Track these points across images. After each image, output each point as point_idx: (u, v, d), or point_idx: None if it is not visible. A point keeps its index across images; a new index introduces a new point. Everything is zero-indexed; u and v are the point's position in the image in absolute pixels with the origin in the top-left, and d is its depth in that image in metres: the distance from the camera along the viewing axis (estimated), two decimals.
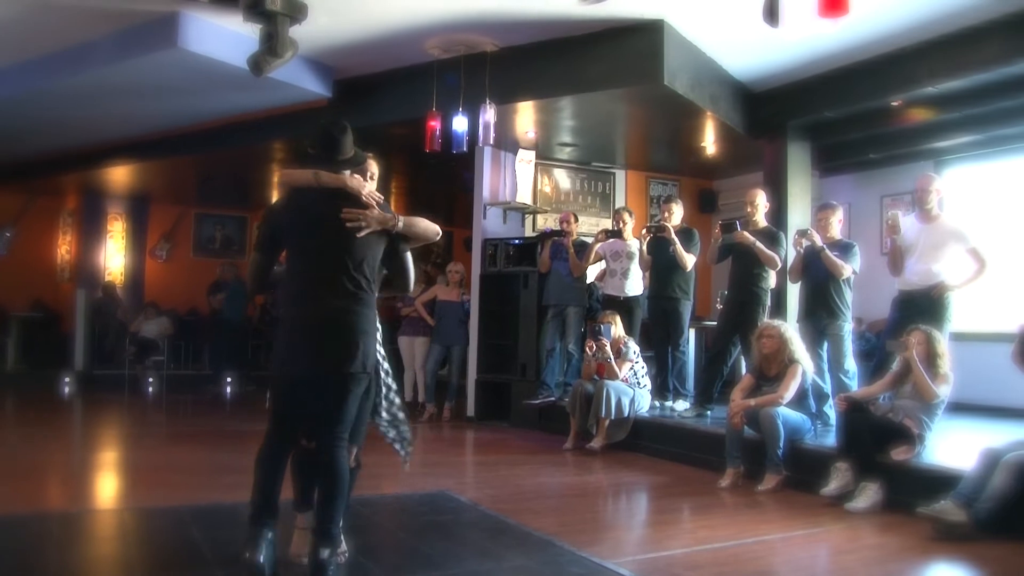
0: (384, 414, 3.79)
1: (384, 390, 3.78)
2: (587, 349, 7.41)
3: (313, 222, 3.45)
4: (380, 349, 3.72)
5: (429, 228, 3.68)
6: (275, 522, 3.38)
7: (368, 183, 3.63)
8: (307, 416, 3.48)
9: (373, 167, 3.77)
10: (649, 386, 7.46)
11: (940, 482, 4.61)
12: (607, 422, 6.98)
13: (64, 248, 14.47)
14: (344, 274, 3.39)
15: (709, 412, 7.23)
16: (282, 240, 3.52)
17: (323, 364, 3.37)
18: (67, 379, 11.20)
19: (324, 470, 3.36)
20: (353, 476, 3.61)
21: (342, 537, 3.54)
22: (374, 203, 3.48)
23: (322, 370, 3.38)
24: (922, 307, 6.00)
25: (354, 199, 3.45)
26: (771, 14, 5.15)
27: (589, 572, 3.65)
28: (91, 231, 13.93)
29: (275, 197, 14.14)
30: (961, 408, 6.53)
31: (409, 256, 3.67)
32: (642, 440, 7.07)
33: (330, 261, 3.41)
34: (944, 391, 5.24)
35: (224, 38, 7.05)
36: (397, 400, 3.86)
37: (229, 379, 11.72)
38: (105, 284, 13.73)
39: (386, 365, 3.82)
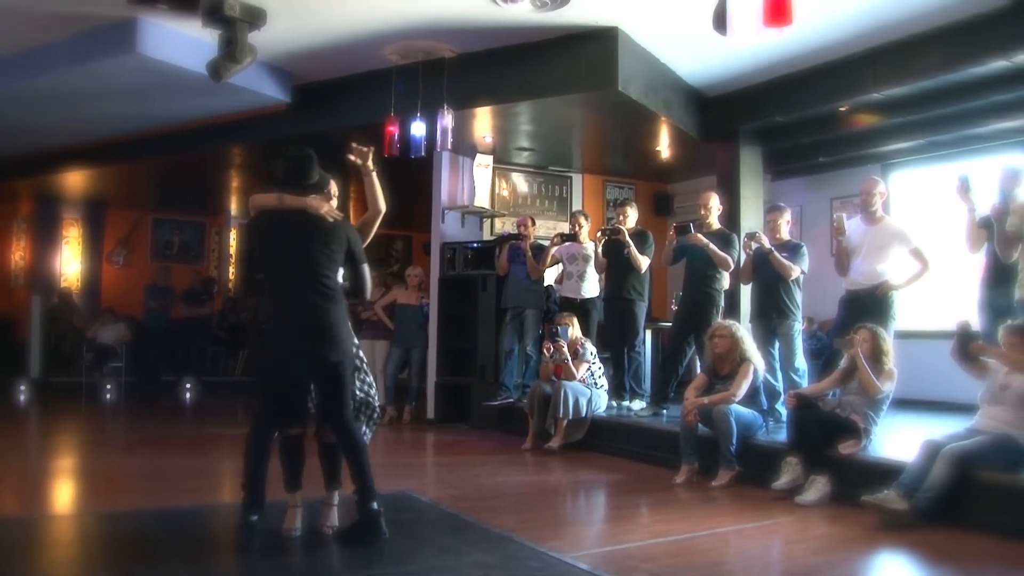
0: (359, 393, 4.29)
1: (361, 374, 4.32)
2: (545, 351, 7.52)
3: (282, 239, 3.97)
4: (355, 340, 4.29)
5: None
6: (262, 507, 3.86)
7: (331, 200, 4.18)
8: (294, 406, 4.05)
9: (333, 188, 4.28)
10: (606, 386, 7.57)
11: (885, 474, 4.77)
12: (565, 422, 7.09)
13: (18, 254, 14.26)
14: (312, 280, 3.93)
15: (665, 411, 7.36)
16: (258, 256, 4.03)
17: (312, 357, 3.93)
18: (22, 387, 11.06)
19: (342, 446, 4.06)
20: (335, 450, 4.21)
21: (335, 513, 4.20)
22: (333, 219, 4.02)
23: (314, 363, 3.94)
24: (867, 306, 6.17)
25: (315, 218, 3.97)
26: (720, 23, 5.30)
27: (547, 566, 3.73)
28: (46, 237, 13.77)
29: (240, 210, 14.27)
30: (905, 403, 6.75)
31: (366, 268, 4.20)
32: (599, 439, 7.18)
33: (299, 271, 3.95)
34: (888, 387, 5.41)
35: (183, 44, 7.06)
36: (369, 387, 4.37)
37: (188, 384, 11.67)
38: (61, 290, 13.57)
39: (360, 353, 4.35)
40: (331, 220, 3.99)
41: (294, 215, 3.96)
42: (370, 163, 4.24)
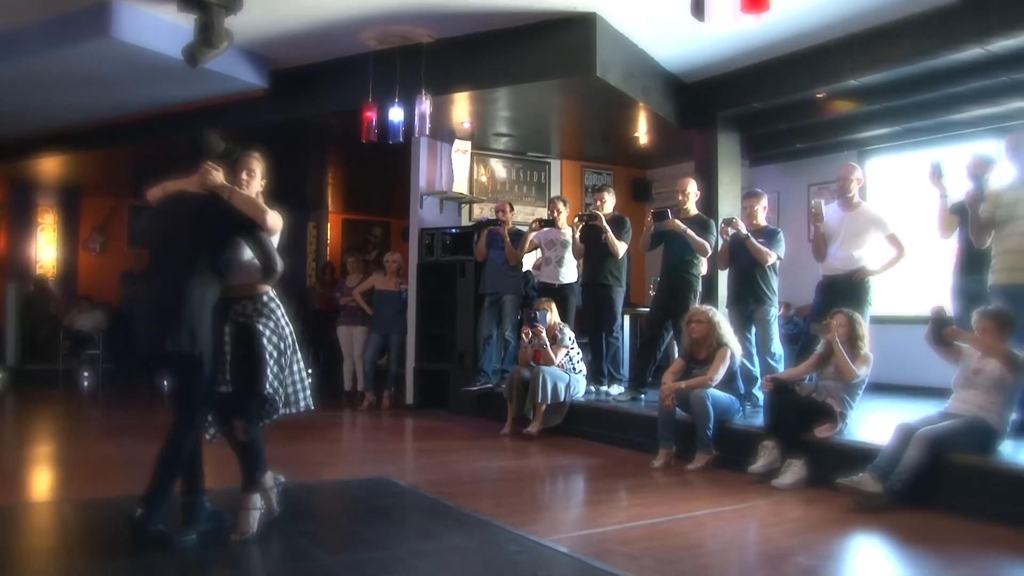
0: (268, 388, 3.87)
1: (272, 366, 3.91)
2: (523, 336, 7.54)
3: (158, 223, 3.97)
4: (274, 334, 3.92)
5: (255, 208, 3.83)
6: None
7: (250, 179, 3.98)
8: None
9: (254, 164, 4.03)
10: (584, 371, 7.61)
11: (860, 457, 4.82)
12: (543, 407, 7.12)
13: None
14: (177, 264, 3.75)
15: (643, 396, 7.40)
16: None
17: (156, 345, 3.75)
18: None
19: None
20: (247, 449, 3.99)
21: (274, 502, 4.04)
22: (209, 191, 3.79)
23: (152, 349, 3.82)
24: (844, 291, 6.23)
25: (195, 196, 3.79)
26: (698, 9, 5.31)
27: (526, 549, 3.76)
28: (20, 224, 13.62)
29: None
30: (881, 387, 6.82)
31: (268, 241, 3.87)
32: (578, 424, 7.22)
33: (171, 255, 3.82)
34: (864, 371, 5.46)
35: (158, 28, 6.98)
36: (280, 385, 3.95)
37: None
38: (36, 278, 13.45)
39: (282, 345, 3.94)
40: (206, 192, 3.77)
41: (180, 199, 3.83)
42: (214, 179, 3.82)
